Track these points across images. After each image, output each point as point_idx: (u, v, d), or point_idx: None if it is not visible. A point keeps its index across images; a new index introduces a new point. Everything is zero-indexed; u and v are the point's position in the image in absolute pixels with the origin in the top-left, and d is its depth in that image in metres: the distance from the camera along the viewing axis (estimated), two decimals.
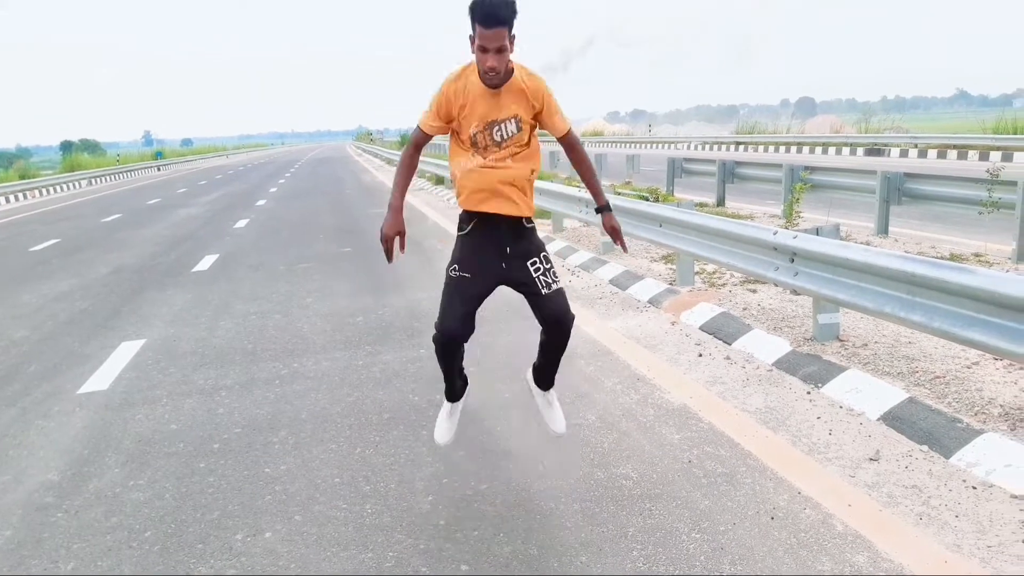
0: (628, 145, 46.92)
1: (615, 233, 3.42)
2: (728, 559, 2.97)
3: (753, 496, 3.45)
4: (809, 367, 4.94)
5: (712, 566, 2.93)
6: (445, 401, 3.58)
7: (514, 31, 2.86)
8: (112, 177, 44.80)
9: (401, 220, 3.16)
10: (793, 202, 9.99)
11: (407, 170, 3.27)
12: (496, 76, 2.89)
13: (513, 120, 3.00)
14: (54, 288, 9.72)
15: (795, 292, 6.37)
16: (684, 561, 2.98)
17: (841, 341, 5.42)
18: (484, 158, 3.06)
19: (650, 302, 7.11)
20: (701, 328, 6.12)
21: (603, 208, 3.38)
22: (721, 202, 14.05)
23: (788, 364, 5.09)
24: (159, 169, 55.08)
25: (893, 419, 4.10)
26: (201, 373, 5.74)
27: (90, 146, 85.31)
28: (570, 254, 9.75)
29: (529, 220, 3.23)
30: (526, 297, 3.23)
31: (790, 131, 42.40)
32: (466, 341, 3.26)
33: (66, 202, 28.01)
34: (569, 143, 3.28)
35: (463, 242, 3.18)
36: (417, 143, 3.27)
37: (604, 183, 17.28)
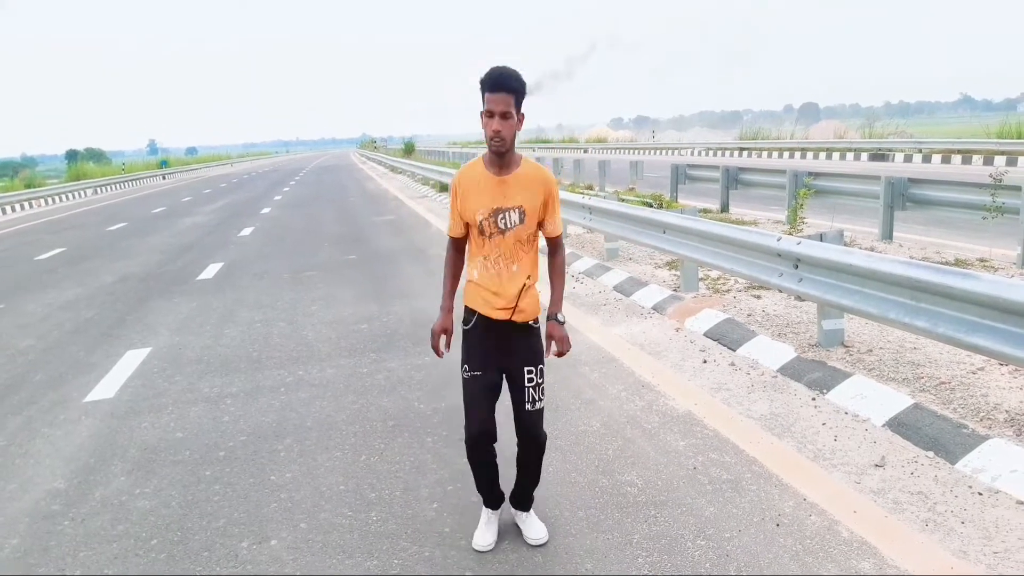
0: (632, 151, 46.91)
1: (550, 341, 3.22)
2: (733, 566, 2.97)
3: (758, 503, 3.45)
4: (814, 373, 4.94)
5: (717, 573, 2.93)
6: (484, 507, 3.37)
7: (523, 110, 2.96)
8: (117, 186, 44.95)
9: (450, 320, 3.19)
10: (797, 208, 9.98)
11: (452, 272, 3.27)
12: (502, 143, 2.91)
13: (517, 210, 3.02)
14: (60, 297, 9.75)
15: (799, 298, 6.37)
16: (689, 568, 2.97)
17: (846, 347, 5.41)
18: (490, 252, 3.05)
19: (654, 308, 7.11)
20: (706, 334, 6.12)
21: (553, 316, 3.23)
22: (725, 208, 14.05)
23: (793, 370, 5.09)
24: (164, 178, 55.27)
25: (899, 425, 4.10)
26: (207, 381, 5.75)
27: (95, 155, 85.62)
28: (574, 260, 9.75)
29: (535, 320, 3.18)
30: (512, 403, 3.18)
31: (794, 137, 42.39)
32: (495, 440, 3.18)
33: (71, 211, 28.10)
34: (554, 247, 3.28)
35: (468, 336, 3.16)
36: (455, 247, 3.25)
37: (608, 189, 17.20)
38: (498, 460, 3.23)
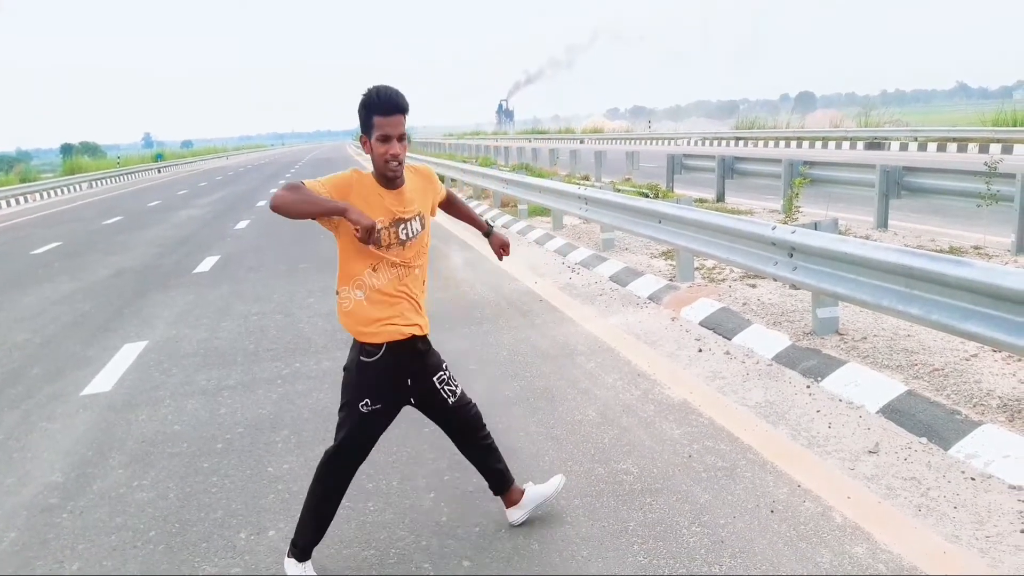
0: (628, 142, 46.87)
1: (500, 247, 3.36)
2: (728, 552, 2.99)
3: (753, 490, 3.47)
4: (808, 361, 4.96)
5: (712, 559, 2.95)
6: (293, 561, 3.03)
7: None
8: (113, 179, 44.86)
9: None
10: (792, 197, 9.99)
11: (309, 187, 2.93)
12: (399, 167, 2.82)
13: (418, 218, 2.94)
14: (56, 291, 9.75)
15: (794, 287, 6.39)
16: (684, 555, 3.00)
17: (840, 335, 5.44)
18: (383, 263, 2.92)
19: (650, 298, 7.13)
20: (701, 323, 6.14)
21: (490, 227, 3.36)
22: (721, 198, 14.06)
23: (788, 358, 5.11)
24: (159, 171, 55.15)
25: (892, 412, 4.12)
26: (203, 374, 5.76)
27: (90, 149, 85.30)
28: (570, 251, 9.76)
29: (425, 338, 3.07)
30: (435, 415, 3.15)
31: (790, 126, 42.38)
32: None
33: (67, 205, 28.04)
34: (449, 201, 3.33)
35: (367, 369, 2.93)
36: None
37: (604, 179, 17.17)
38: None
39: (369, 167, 2.92)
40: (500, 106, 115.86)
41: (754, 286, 7.10)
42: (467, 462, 3.32)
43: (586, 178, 19.26)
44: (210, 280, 9.78)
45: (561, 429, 4.28)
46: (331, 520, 3.08)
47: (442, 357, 3.15)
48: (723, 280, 7.46)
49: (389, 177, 2.85)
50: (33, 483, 4.09)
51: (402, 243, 2.91)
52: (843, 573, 2.82)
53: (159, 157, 64.77)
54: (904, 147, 27.16)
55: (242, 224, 16.23)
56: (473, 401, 3.24)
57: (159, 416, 4.95)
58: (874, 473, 3.56)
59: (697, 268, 7.87)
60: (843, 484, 3.48)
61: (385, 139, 2.76)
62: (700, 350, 5.54)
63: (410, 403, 3.11)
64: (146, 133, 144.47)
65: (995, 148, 22.51)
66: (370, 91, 2.76)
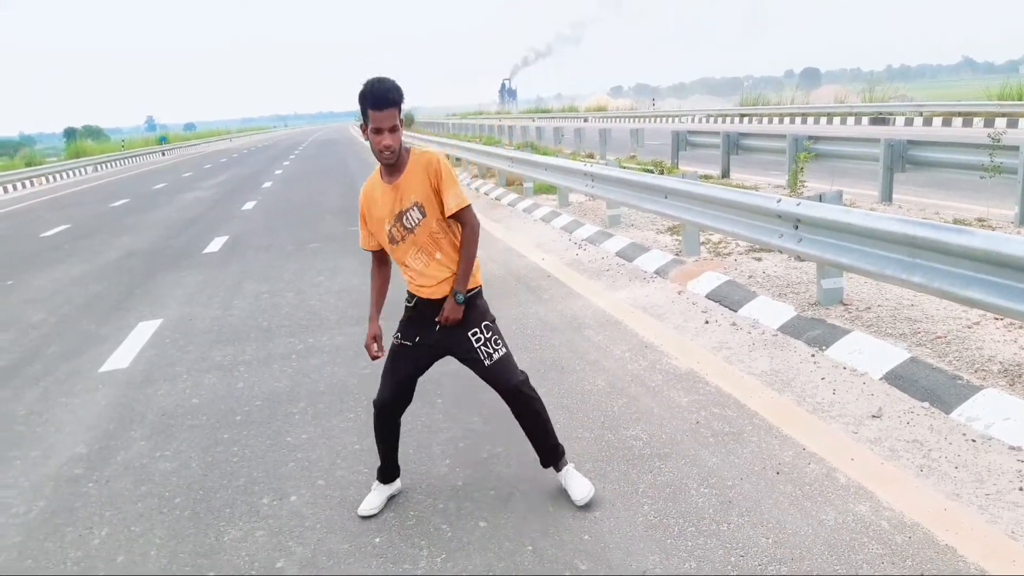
0: (632, 120, 46.73)
1: (444, 319, 3.22)
2: (736, 511, 3.10)
3: (759, 453, 3.57)
4: (813, 331, 5.05)
5: (720, 518, 3.06)
6: (376, 480, 3.46)
7: (403, 115, 3.04)
8: (117, 163, 44.92)
9: (378, 327, 3.34)
10: (797, 172, 10.03)
11: (377, 286, 3.43)
12: (392, 155, 3.02)
13: (416, 207, 3.11)
14: (68, 273, 9.86)
15: (799, 258, 6.47)
16: (693, 514, 3.10)
17: (845, 305, 5.52)
18: (407, 251, 3.18)
19: (656, 272, 7.21)
20: (707, 296, 6.23)
21: (451, 294, 3.19)
22: (726, 174, 14.09)
23: (793, 328, 5.19)
24: (163, 154, 55.17)
25: (895, 378, 4.21)
26: (219, 350, 5.87)
27: (93, 132, 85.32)
28: (576, 228, 9.83)
29: (469, 292, 3.19)
30: (474, 371, 3.29)
31: (794, 102, 42.18)
32: (401, 412, 3.37)
33: (72, 188, 28.14)
34: (461, 222, 3.18)
35: (407, 312, 3.32)
36: (376, 260, 3.40)
37: (609, 157, 17.07)
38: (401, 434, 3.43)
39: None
40: (503, 85, 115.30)
41: (759, 259, 7.18)
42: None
43: (591, 156, 19.28)
44: (220, 260, 9.88)
45: (571, 399, 4.38)
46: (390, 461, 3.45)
47: (484, 319, 3.25)
48: (729, 254, 7.54)
49: (387, 164, 3.08)
50: (58, 455, 4.21)
51: (409, 231, 3.13)
52: (847, 530, 2.92)
53: (163, 140, 64.70)
54: (909, 122, 27.06)
55: (249, 205, 16.31)
56: (522, 386, 3.27)
57: (177, 391, 5.06)
58: (877, 436, 3.66)
59: (703, 243, 7.94)
60: (847, 447, 3.57)
61: (377, 131, 2.97)
62: (707, 322, 5.63)
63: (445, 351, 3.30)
64: (149, 116, 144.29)
65: (1000, 122, 22.43)
66: (365, 85, 2.96)
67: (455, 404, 4.41)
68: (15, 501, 3.71)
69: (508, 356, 3.26)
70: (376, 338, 3.33)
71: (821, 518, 3.01)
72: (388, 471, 3.44)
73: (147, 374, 5.46)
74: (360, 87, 2.96)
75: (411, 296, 3.28)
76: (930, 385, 4.03)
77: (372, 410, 3.37)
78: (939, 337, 4.75)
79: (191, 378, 5.28)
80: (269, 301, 7.34)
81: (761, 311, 5.61)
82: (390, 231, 3.14)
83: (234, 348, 5.89)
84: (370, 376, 5.00)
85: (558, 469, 3.34)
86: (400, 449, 3.86)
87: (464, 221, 3.18)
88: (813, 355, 4.76)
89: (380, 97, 2.92)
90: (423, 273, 3.19)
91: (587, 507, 3.20)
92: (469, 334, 3.20)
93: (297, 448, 4.04)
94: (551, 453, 3.34)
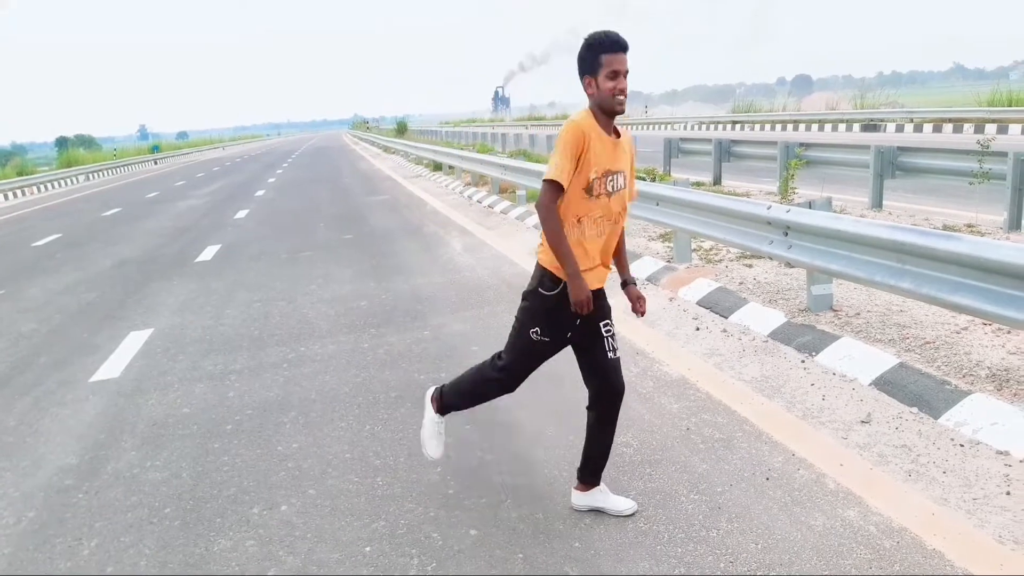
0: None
1: (639, 301, 3.30)
2: (725, 517, 3.11)
3: (749, 459, 3.59)
4: (803, 337, 5.07)
5: (710, 524, 3.07)
6: (438, 416, 3.45)
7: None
8: (109, 172, 44.81)
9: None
10: (788, 179, 10.08)
11: (569, 239, 3.06)
12: (624, 100, 3.00)
13: (622, 175, 3.08)
14: (59, 282, 9.84)
15: (789, 265, 6.50)
16: (683, 520, 3.11)
17: (834, 311, 5.54)
18: (591, 211, 3.02)
19: (648, 279, 7.23)
20: (698, 303, 6.25)
21: (632, 281, 3.37)
22: (717, 181, 14.14)
23: (783, 335, 5.22)
24: (156, 163, 55.07)
25: (884, 383, 4.23)
26: (210, 359, 5.86)
27: (85, 141, 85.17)
28: None
29: None
30: (587, 361, 3.18)
31: (786, 109, 42.37)
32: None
33: (64, 198, 28.07)
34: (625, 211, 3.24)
35: (546, 303, 3.10)
36: (557, 209, 3.05)
37: None
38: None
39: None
40: (496, 93, 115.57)
41: (750, 266, 7.21)
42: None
43: None
44: (212, 269, 9.87)
45: (563, 405, 4.38)
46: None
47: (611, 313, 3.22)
48: (720, 261, 7.56)
49: (616, 112, 3.01)
50: (48, 465, 4.20)
51: (609, 195, 3.04)
52: (836, 535, 2.93)
53: (155, 149, 64.64)
54: (900, 128, 27.23)
55: (242, 214, 16.29)
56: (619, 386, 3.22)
57: (168, 400, 5.05)
58: (866, 442, 3.67)
59: (694, 250, 7.97)
60: (836, 452, 3.59)
61: (614, 75, 2.94)
62: (697, 328, 5.65)
63: (571, 341, 3.18)
64: (141, 125, 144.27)
65: (990, 128, 22.57)
66: (596, 33, 2.97)
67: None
68: (5, 512, 3.69)
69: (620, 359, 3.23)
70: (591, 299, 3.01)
71: (810, 523, 3.02)
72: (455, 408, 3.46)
73: (138, 384, 5.45)
74: (586, 41, 2.95)
75: (554, 282, 3.08)
76: (919, 390, 4.05)
77: (493, 383, 3.28)
78: (928, 342, 4.77)
79: (182, 387, 5.27)
80: (261, 310, 7.33)
81: (752, 317, 5.63)
82: (593, 181, 2.98)
83: (225, 357, 5.88)
84: (361, 385, 5.01)
85: (596, 484, 3.27)
86: (390, 458, 3.88)
87: (626, 211, 3.20)
88: (803, 361, 4.78)
89: (617, 40, 2.94)
90: (597, 244, 3.08)
91: (582, 514, 3.22)
92: (601, 324, 3.15)
93: (288, 457, 4.04)
94: (601, 468, 3.28)
